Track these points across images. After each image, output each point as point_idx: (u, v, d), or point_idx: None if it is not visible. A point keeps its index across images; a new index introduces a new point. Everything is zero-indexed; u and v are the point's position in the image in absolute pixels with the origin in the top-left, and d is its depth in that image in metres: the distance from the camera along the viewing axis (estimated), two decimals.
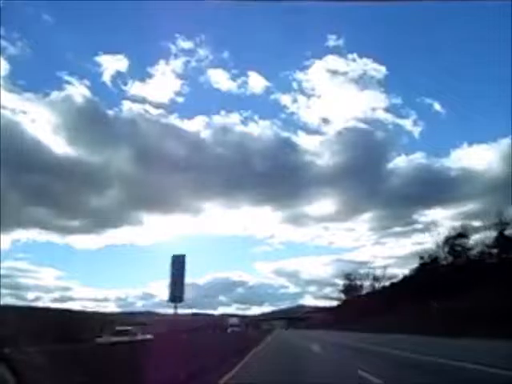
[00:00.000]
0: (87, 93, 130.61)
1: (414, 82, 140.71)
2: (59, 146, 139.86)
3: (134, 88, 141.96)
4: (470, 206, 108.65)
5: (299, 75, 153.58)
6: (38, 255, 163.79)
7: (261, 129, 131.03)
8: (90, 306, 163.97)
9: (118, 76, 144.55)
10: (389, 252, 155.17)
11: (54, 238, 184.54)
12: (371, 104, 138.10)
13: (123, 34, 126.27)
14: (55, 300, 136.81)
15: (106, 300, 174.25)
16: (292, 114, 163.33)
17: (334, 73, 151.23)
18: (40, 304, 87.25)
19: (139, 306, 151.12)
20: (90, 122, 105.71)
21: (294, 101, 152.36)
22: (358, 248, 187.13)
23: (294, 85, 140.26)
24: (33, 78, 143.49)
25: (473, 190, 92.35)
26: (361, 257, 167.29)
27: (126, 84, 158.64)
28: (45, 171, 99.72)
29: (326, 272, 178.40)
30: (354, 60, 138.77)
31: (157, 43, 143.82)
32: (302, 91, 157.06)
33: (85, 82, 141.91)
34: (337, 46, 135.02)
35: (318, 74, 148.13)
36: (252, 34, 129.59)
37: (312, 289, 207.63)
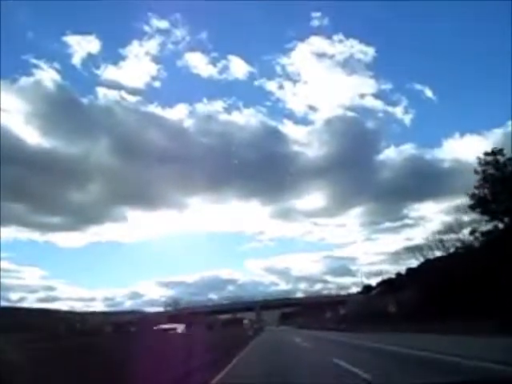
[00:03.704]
0: (58, 78, 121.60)
1: (403, 65, 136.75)
2: (33, 136, 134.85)
3: (108, 72, 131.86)
4: (461, 200, 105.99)
5: (283, 59, 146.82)
6: (19, 254, 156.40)
7: (246, 117, 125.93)
8: (77, 306, 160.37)
9: (90, 59, 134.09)
10: (379, 248, 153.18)
11: (35, 235, 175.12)
12: (360, 90, 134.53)
13: (92, 11, 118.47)
14: (40, 300, 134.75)
15: (93, 300, 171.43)
16: (278, 100, 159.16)
17: (320, 56, 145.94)
18: (25, 305, 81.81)
19: (127, 305, 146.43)
20: (65, 111, 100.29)
21: (280, 87, 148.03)
22: (349, 244, 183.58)
23: (278, 69, 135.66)
24: None
25: (465, 184, 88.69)
26: (352, 253, 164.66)
27: (98, 68, 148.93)
28: (20, 164, 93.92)
29: (316, 268, 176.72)
30: (340, 41, 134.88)
31: (129, 23, 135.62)
32: (286, 76, 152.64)
33: (54, 66, 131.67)
34: (321, 25, 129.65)
35: (303, 57, 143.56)
36: (230, 12, 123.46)
37: (303, 286, 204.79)
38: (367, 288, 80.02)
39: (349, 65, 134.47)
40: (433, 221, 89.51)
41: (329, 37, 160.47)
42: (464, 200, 34.13)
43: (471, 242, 34.41)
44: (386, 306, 40.82)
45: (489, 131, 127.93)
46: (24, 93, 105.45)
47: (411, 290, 38.23)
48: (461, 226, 36.49)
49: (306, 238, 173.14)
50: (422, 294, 34.21)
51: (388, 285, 62.03)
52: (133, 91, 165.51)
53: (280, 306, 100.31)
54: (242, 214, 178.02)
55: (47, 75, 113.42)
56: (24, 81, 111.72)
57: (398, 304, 40.28)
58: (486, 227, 33.36)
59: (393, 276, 66.65)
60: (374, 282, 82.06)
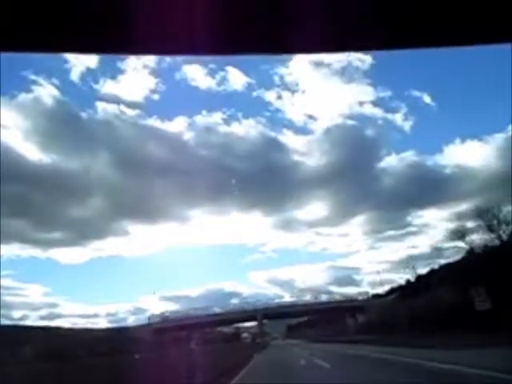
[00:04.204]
0: (57, 93, 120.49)
1: (401, 71, 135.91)
2: (34, 152, 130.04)
3: (106, 86, 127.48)
4: (464, 206, 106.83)
5: (281, 69, 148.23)
6: (21, 271, 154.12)
7: (245, 128, 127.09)
8: (80, 323, 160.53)
9: (88, 74, 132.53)
10: (383, 257, 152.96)
11: (37, 252, 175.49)
12: (358, 98, 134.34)
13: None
14: (43, 318, 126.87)
15: (95, 316, 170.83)
16: (277, 111, 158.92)
17: (317, 65, 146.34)
18: (28, 322, 79.10)
19: (131, 321, 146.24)
20: (64, 126, 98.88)
21: (278, 97, 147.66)
22: (353, 253, 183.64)
23: (276, 79, 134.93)
24: None
25: (467, 189, 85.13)
26: (356, 262, 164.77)
27: (97, 82, 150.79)
28: (20, 180, 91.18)
29: (321, 279, 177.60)
30: None
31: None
32: (285, 86, 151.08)
33: (53, 82, 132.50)
34: None
35: (300, 66, 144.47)
36: None
37: (307, 297, 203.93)
38: (377, 297, 78.12)
39: (347, 73, 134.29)
40: (436, 228, 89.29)
41: None
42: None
43: None
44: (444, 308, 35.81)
45: (490, 136, 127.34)
46: (24, 109, 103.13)
47: (446, 292, 35.78)
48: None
49: (309, 249, 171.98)
50: (460, 297, 32.26)
51: (402, 291, 59.97)
52: (132, 105, 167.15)
53: (285, 316, 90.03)
54: (244, 226, 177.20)
55: (46, 91, 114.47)
56: (23, 97, 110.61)
57: (428, 311, 37.77)
58: None
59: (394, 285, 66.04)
60: (379, 290, 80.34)
